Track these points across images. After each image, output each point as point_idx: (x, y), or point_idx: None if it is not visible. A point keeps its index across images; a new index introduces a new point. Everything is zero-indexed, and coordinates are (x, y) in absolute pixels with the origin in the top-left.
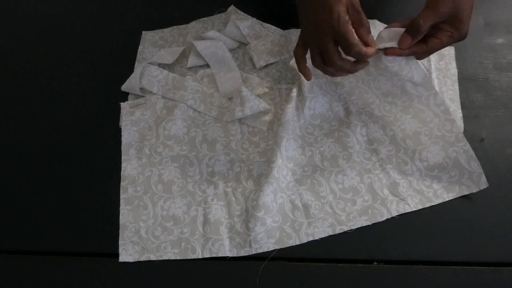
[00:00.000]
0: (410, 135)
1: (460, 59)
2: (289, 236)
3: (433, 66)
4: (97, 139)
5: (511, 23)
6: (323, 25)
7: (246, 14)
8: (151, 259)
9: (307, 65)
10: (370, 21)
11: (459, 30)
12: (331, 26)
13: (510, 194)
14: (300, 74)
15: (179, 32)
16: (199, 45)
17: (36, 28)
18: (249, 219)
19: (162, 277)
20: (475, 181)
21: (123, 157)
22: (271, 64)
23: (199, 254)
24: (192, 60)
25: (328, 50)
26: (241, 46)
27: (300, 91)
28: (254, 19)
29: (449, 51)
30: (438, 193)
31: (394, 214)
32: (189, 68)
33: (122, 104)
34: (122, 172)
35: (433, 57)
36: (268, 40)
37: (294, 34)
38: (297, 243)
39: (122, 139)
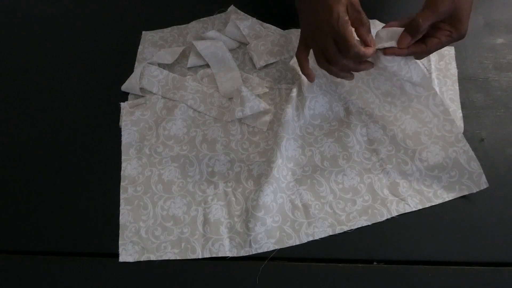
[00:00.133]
0: (410, 135)
1: (460, 59)
2: (289, 236)
3: (433, 66)
4: (97, 139)
5: (511, 23)
6: (323, 25)
7: (246, 14)
8: (151, 259)
9: (311, 64)
10: (370, 21)
11: (458, 29)
12: (331, 26)
13: (510, 194)
14: (301, 74)
15: (179, 32)
16: (199, 45)
17: (36, 28)
18: (249, 219)
19: (162, 277)
20: (475, 181)
21: (123, 157)
22: (271, 64)
23: (199, 254)
24: (192, 60)
25: (329, 50)
26: (241, 46)
27: (300, 91)
28: (254, 19)
29: (449, 51)
30: (438, 193)
31: (394, 214)
32: (189, 68)
33: (122, 104)
34: (122, 172)
35: (433, 57)
36: (268, 40)
37: (294, 34)
38: (297, 243)
39: (122, 139)
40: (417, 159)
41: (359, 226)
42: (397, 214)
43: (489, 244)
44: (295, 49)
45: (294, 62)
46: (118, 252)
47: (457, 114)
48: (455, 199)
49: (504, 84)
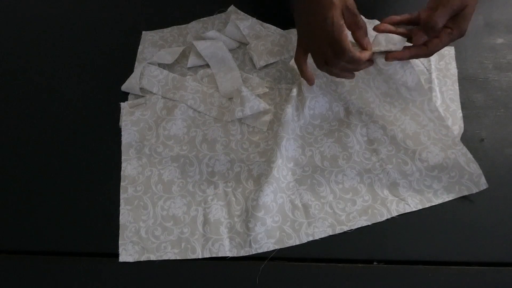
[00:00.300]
0: (410, 135)
1: (460, 59)
2: (289, 236)
3: (433, 66)
4: (97, 139)
5: (511, 23)
6: (318, 30)
7: (246, 14)
8: (151, 259)
9: (310, 65)
10: (370, 21)
11: (460, 27)
12: (326, 32)
13: (510, 194)
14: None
15: (179, 32)
16: (199, 45)
17: (36, 28)
18: (249, 219)
19: (162, 277)
20: (475, 182)
21: (123, 157)
22: (271, 64)
23: (199, 254)
24: (192, 60)
25: (328, 54)
26: (241, 46)
27: (300, 91)
28: (254, 19)
29: (449, 51)
30: (438, 194)
31: (394, 214)
32: (189, 68)
33: (122, 104)
34: (122, 172)
35: (433, 57)
36: (268, 40)
37: (294, 34)
38: (297, 243)
39: (122, 139)
40: (417, 159)
41: (359, 226)
42: (397, 214)
43: (489, 244)
44: (295, 49)
45: (294, 62)
46: (118, 252)
47: (457, 114)
48: (455, 199)
49: (504, 84)
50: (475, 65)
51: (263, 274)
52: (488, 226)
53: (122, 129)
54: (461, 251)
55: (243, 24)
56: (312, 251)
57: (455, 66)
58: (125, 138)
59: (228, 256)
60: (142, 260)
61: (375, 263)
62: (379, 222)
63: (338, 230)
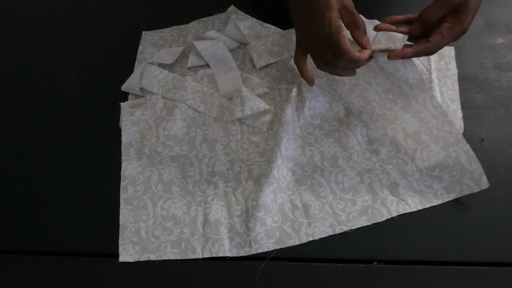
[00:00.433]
0: (410, 134)
1: (460, 59)
2: (289, 236)
3: (433, 66)
4: (97, 139)
5: (511, 23)
6: (316, 32)
7: (246, 14)
8: (151, 259)
9: (310, 66)
10: (370, 21)
11: (461, 22)
12: (324, 33)
13: (510, 194)
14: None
15: (179, 32)
16: (199, 45)
17: (36, 28)
18: (249, 219)
19: (162, 277)
20: (476, 181)
21: (123, 157)
22: (271, 64)
23: (199, 254)
24: (192, 60)
25: (327, 55)
26: (241, 46)
27: (300, 91)
28: (254, 19)
29: (449, 51)
30: (439, 194)
31: (394, 214)
32: (189, 68)
33: (122, 104)
34: (122, 172)
35: (433, 57)
36: (268, 40)
37: (294, 34)
38: (297, 243)
39: (122, 139)
40: (418, 158)
41: (359, 226)
42: (397, 215)
43: (489, 244)
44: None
45: (294, 62)
46: (118, 252)
47: (457, 114)
48: (455, 199)
49: (504, 84)
50: (475, 65)
51: (263, 274)
52: (488, 226)
53: (122, 129)
54: (461, 251)
55: (243, 24)
56: (312, 251)
57: (455, 66)
58: (125, 138)
59: (228, 256)
60: (142, 260)
61: (375, 263)
62: (379, 222)
63: (338, 230)
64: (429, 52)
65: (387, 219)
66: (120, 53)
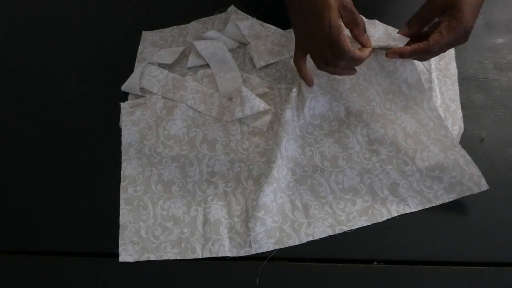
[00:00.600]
0: (410, 134)
1: (460, 59)
2: (289, 236)
3: (433, 66)
4: (97, 139)
5: (511, 23)
6: (317, 32)
7: (246, 14)
8: (151, 259)
9: (310, 66)
10: (370, 21)
11: (458, 18)
12: (324, 33)
13: (510, 194)
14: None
15: (179, 32)
16: (199, 45)
17: (36, 28)
18: (249, 219)
19: (162, 277)
20: (476, 183)
21: (123, 157)
22: (271, 64)
23: (199, 254)
24: (192, 60)
25: (327, 55)
26: (241, 46)
27: (300, 91)
28: (254, 19)
29: (449, 51)
30: (439, 194)
31: (394, 214)
32: (189, 68)
33: (122, 104)
34: (122, 172)
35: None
36: (268, 40)
37: None
38: (297, 243)
39: (122, 139)
40: (418, 158)
41: (359, 226)
42: (397, 215)
43: (489, 244)
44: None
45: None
46: (118, 252)
47: (457, 114)
48: (455, 199)
49: (504, 84)
50: (475, 65)
51: (263, 274)
52: (488, 226)
53: (122, 129)
54: (461, 251)
55: (243, 24)
56: (312, 251)
57: (455, 66)
58: (125, 138)
59: (228, 256)
60: (142, 260)
61: (375, 263)
62: (379, 222)
63: (338, 230)
64: (428, 51)
65: (387, 219)
66: (120, 53)
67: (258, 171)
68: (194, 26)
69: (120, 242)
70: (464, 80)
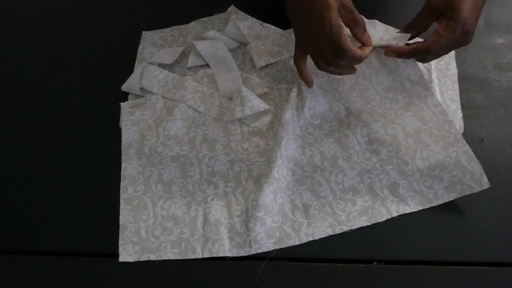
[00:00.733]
0: (411, 133)
1: (460, 59)
2: (289, 236)
3: (433, 66)
4: (97, 139)
5: (511, 23)
6: (317, 32)
7: (246, 14)
8: (151, 259)
9: (310, 66)
10: (370, 21)
11: (454, 18)
12: (324, 33)
13: (510, 194)
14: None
15: (179, 32)
16: (199, 45)
17: (36, 28)
18: (249, 219)
19: (162, 277)
20: (477, 181)
21: (123, 157)
22: (271, 64)
23: (199, 254)
24: (192, 60)
25: (328, 55)
26: (241, 46)
27: (300, 91)
28: (254, 19)
29: None
30: (439, 194)
31: (394, 214)
32: (189, 68)
33: (122, 104)
34: (122, 172)
35: None
36: (268, 40)
37: None
38: (297, 243)
39: (122, 139)
40: (418, 158)
41: (359, 226)
42: (397, 215)
43: (489, 244)
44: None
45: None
46: (118, 252)
47: (457, 114)
48: (455, 199)
49: (504, 84)
50: (475, 65)
51: (263, 274)
52: (488, 226)
53: (122, 129)
54: (461, 251)
55: (243, 24)
56: (312, 251)
57: (455, 66)
58: (125, 138)
59: (228, 256)
60: (142, 260)
61: (375, 263)
62: (379, 222)
63: (338, 230)
64: (427, 51)
65: (387, 219)
66: (120, 53)
67: (258, 171)
68: (194, 26)
69: (120, 242)
70: (464, 80)
